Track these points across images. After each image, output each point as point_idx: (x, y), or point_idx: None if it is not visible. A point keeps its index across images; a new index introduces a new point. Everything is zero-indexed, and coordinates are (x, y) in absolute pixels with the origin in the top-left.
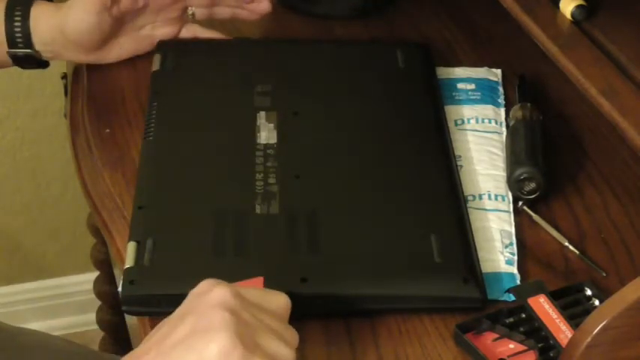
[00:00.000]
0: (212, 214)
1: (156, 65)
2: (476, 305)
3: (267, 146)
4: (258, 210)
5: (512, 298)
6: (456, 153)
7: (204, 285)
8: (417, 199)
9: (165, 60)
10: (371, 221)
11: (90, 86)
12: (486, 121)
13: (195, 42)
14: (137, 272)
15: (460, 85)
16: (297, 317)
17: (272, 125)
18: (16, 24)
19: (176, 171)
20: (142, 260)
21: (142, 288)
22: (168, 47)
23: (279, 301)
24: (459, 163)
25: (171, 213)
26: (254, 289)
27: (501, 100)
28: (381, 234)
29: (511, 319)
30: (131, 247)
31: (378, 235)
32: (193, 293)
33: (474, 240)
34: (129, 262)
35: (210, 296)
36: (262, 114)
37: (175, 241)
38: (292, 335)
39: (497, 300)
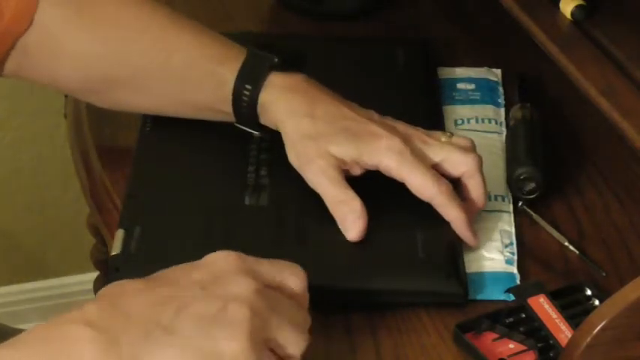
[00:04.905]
0: (201, 203)
1: None
2: (458, 300)
3: (262, 139)
4: (247, 201)
5: (512, 298)
6: None
7: (231, 261)
8: (406, 196)
9: None
10: None
11: None
12: (486, 121)
13: None
14: (123, 259)
15: (460, 85)
16: None
17: None
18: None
19: (169, 161)
20: (129, 248)
21: (127, 275)
22: None
23: (297, 281)
24: None
25: (161, 202)
26: (273, 267)
27: (501, 100)
28: (369, 229)
29: (511, 319)
30: (119, 234)
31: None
32: (219, 261)
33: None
34: (115, 250)
35: (235, 284)
36: None
37: (163, 230)
38: (305, 322)
39: (497, 300)
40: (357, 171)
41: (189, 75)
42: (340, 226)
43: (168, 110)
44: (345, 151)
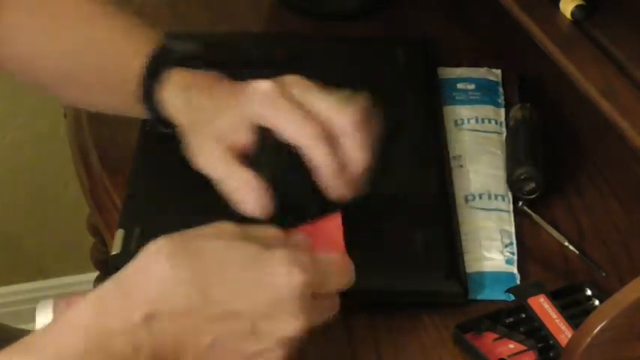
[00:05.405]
0: (201, 203)
1: None
2: (458, 300)
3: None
4: None
5: (512, 298)
6: (456, 153)
7: (296, 287)
8: (407, 197)
9: None
10: (360, 216)
11: None
12: (486, 121)
13: (196, 35)
14: (123, 259)
15: (460, 85)
16: None
17: None
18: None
19: (168, 161)
20: (129, 248)
21: None
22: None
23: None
24: (459, 163)
25: (161, 202)
26: (326, 264)
27: (501, 101)
28: (369, 229)
29: (511, 319)
30: (119, 234)
31: (365, 230)
32: (284, 286)
33: (460, 238)
34: (115, 249)
35: (284, 327)
36: None
37: (163, 230)
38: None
39: (497, 300)
40: (242, 140)
41: (104, 78)
42: (233, 202)
43: (98, 108)
44: (225, 131)
